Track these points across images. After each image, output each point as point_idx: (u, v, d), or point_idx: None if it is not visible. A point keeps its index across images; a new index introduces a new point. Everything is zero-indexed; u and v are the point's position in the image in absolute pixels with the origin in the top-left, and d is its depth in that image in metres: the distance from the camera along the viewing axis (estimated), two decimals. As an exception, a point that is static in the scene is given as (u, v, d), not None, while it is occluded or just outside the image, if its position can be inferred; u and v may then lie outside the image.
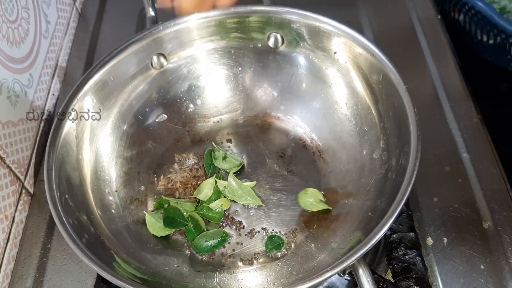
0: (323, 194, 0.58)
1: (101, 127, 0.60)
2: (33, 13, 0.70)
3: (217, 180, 0.60)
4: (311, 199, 0.57)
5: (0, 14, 0.61)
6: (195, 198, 0.59)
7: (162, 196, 0.59)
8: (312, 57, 0.63)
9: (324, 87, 0.63)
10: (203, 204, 0.58)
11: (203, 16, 0.62)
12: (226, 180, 0.61)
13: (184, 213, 0.57)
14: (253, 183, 0.60)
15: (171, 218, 0.56)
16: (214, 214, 0.58)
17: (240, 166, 0.62)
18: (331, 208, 0.57)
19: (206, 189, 0.59)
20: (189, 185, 0.61)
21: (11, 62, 0.62)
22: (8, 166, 0.58)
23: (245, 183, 0.60)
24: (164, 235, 0.57)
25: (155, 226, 0.57)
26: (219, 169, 0.62)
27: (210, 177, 0.61)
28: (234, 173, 0.60)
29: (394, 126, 0.54)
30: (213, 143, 0.64)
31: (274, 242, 0.55)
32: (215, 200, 0.59)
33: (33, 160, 0.65)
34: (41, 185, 0.64)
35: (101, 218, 0.55)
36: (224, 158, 0.62)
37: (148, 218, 0.57)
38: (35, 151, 0.65)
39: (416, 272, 0.53)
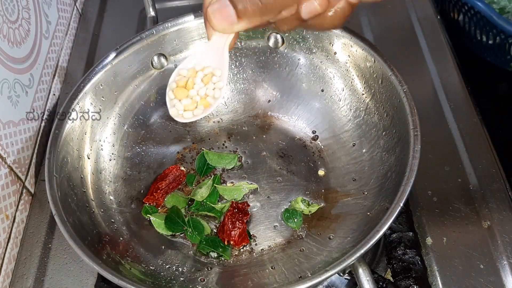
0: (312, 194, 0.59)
1: (102, 127, 0.60)
2: (34, 13, 0.70)
3: (217, 185, 0.60)
4: (302, 205, 0.58)
5: (1, 15, 0.61)
6: (189, 193, 0.60)
7: (145, 202, 0.59)
8: (312, 58, 0.63)
9: (324, 87, 0.63)
10: (200, 207, 0.59)
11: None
12: (224, 181, 0.61)
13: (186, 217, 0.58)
14: (254, 186, 0.61)
15: (172, 219, 0.57)
16: (215, 213, 0.58)
17: (236, 160, 0.63)
18: (322, 204, 0.58)
19: (202, 190, 0.60)
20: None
21: (12, 62, 0.62)
22: (9, 166, 0.58)
23: (245, 185, 0.61)
24: (169, 233, 0.57)
25: (161, 224, 0.57)
26: (215, 168, 0.62)
27: (205, 178, 0.61)
28: (232, 169, 0.61)
29: (394, 126, 0.54)
30: (203, 148, 0.64)
31: (291, 214, 0.57)
32: (211, 201, 0.59)
33: (34, 160, 0.65)
34: (41, 185, 0.64)
35: (102, 218, 0.55)
36: (219, 156, 0.63)
37: (153, 218, 0.57)
38: (36, 151, 0.65)
39: (416, 272, 0.53)
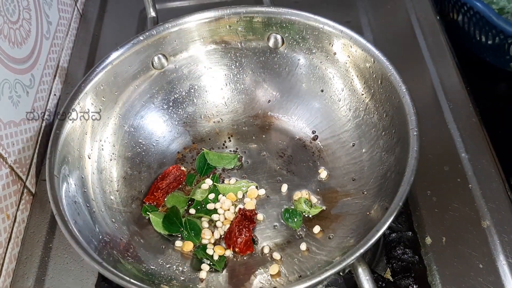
0: (312, 194, 0.59)
1: (102, 127, 0.61)
2: (35, 14, 0.70)
3: (216, 184, 0.60)
4: (305, 206, 0.58)
5: (2, 15, 0.61)
6: (189, 193, 0.61)
7: (145, 202, 0.60)
8: (311, 58, 0.63)
9: (324, 87, 0.63)
10: (201, 206, 0.59)
11: (203, 17, 0.63)
12: (223, 180, 0.61)
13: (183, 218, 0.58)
14: (253, 184, 0.61)
15: (170, 219, 0.57)
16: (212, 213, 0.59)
17: (236, 160, 0.63)
18: (325, 208, 0.57)
19: (201, 190, 0.60)
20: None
21: (13, 63, 0.62)
22: (10, 166, 0.59)
23: (245, 183, 0.61)
24: (167, 233, 0.57)
25: (159, 223, 0.57)
26: (215, 168, 0.63)
27: (205, 177, 0.62)
28: (232, 169, 0.62)
29: (393, 126, 0.54)
30: (203, 148, 0.64)
31: (291, 214, 0.57)
32: (211, 200, 0.59)
33: (34, 160, 0.65)
34: (42, 184, 0.65)
35: (103, 217, 0.55)
36: (220, 156, 0.63)
37: (152, 216, 0.57)
38: (36, 151, 0.66)
39: (415, 271, 0.53)
